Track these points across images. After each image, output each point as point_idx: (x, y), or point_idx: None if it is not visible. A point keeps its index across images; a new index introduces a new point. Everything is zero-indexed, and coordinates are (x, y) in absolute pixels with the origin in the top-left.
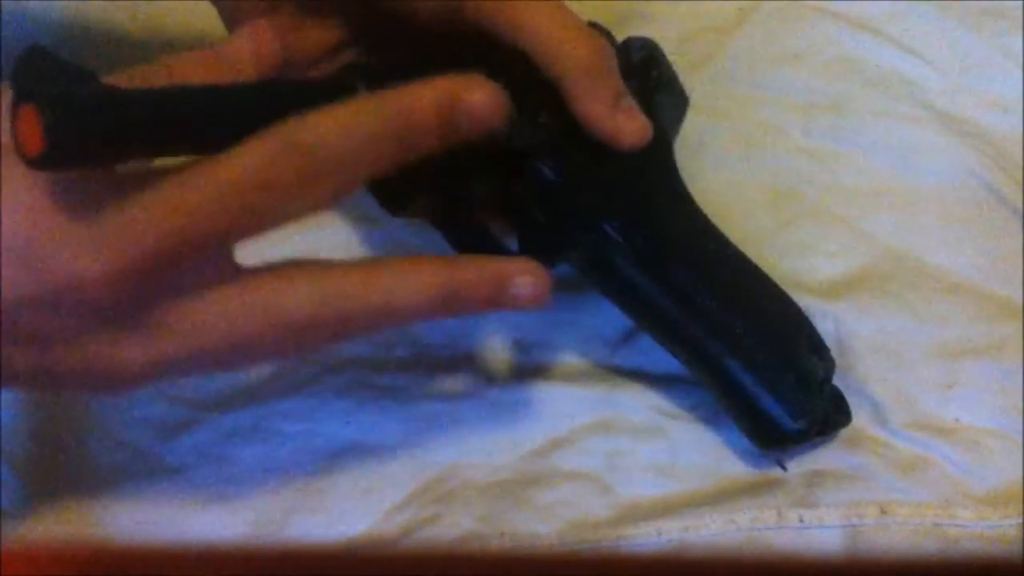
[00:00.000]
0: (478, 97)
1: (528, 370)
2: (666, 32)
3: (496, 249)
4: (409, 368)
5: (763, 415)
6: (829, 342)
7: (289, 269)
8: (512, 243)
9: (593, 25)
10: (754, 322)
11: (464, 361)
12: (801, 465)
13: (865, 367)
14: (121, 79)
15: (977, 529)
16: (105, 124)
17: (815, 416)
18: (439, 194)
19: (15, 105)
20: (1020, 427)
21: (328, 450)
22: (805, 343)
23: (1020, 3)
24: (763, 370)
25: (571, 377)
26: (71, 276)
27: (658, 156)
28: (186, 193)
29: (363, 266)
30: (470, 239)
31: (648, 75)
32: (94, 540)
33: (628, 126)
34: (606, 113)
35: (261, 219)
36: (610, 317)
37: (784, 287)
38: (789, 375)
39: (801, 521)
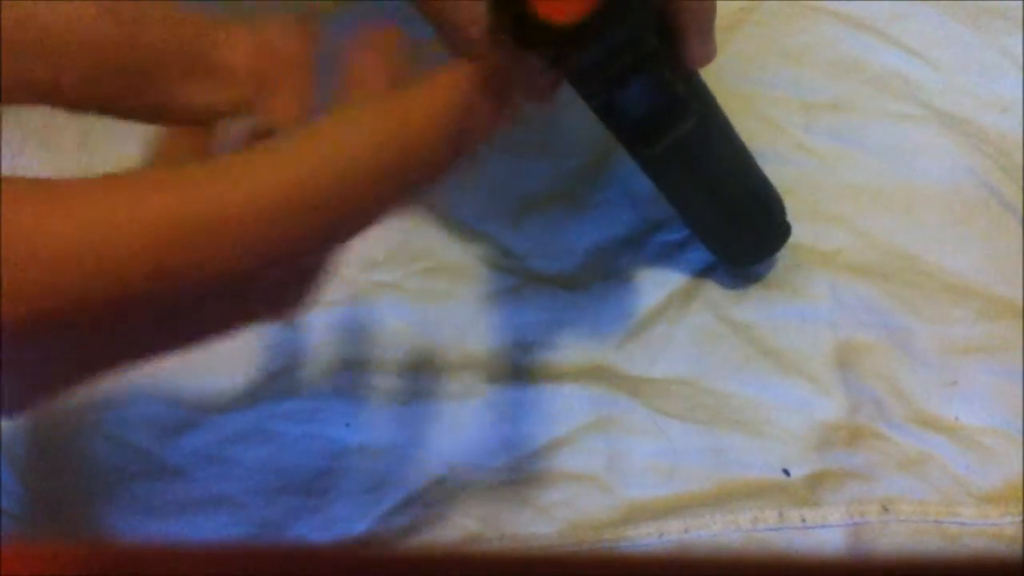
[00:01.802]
0: None
1: (528, 370)
2: None
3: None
4: (409, 369)
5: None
6: (830, 342)
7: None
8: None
9: None
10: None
11: (464, 361)
12: (803, 464)
13: (866, 366)
14: None
15: (978, 527)
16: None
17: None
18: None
19: None
20: (1020, 425)
21: (328, 451)
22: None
23: (1020, 3)
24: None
25: (571, 377)
26: None
27: None
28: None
29: None
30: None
31: None
32: (94, 540)
33: (710, 55)
34: (705, 49)
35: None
36: (610, 317)
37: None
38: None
39: (803, 521)
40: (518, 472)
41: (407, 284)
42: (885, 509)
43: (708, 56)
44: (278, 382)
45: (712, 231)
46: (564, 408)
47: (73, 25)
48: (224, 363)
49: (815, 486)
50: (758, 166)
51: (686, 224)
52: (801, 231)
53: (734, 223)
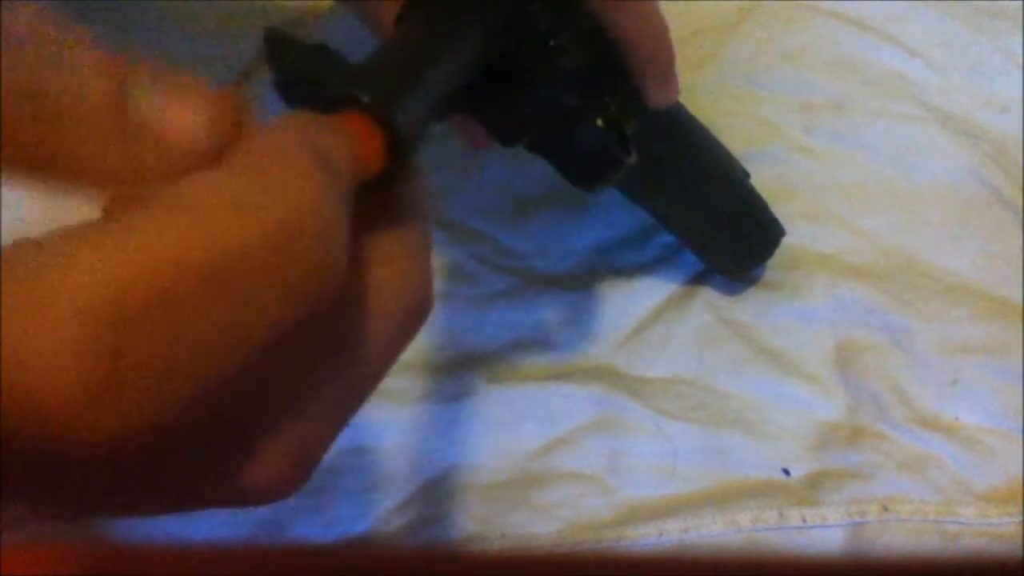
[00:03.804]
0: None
1: (528, 370)
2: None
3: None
4: (409, 369)
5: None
6: (830, 342)
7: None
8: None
9: None
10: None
11: (464, 361)
12: (803, 464)
13: (866, 365)
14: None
15: (978, 526)
16: (426, 114)
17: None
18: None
19: (326, 113)
20: (1020, 425)
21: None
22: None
23: (1020, 3)
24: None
25: (571, 377)
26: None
27: None
28: None
29: None
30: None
31: None
32: (94, 540)
33: (671, 97)
34: (665, 92)
35: None
36: (610, 317)
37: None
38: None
39: (803, 521)
40: (518, 472)
41: None
42: (885, 509)
43: (669, 98)
44: None
45: (696, 243)
46: (564, 408)
47: None
48: None
49: (815, 486)
50: (743, 176)
51: (673, 235)
52: (800, 231)
53: (718, 236)
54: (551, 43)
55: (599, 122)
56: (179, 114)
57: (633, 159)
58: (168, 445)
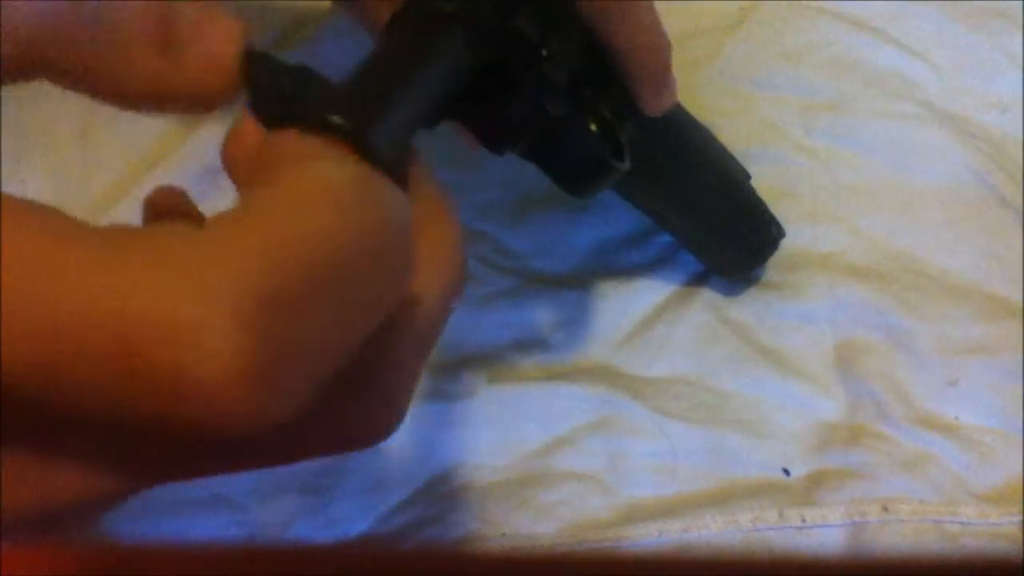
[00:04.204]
0: None
1: (528, 370)
2: (666, 31)
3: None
4: None
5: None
6: (830, 342)
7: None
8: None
9: None
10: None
11: (464, 361)
12: (803, 464)
13: (866, 365)
14: None
15: (978, 526)
16: (408, 130)
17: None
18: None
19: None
20: (1020, 425)
21: None
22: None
23: (1020, 3)
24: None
25: (571, 377)
26: None
27: None
28: None
29: None
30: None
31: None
32: (94, 540)
33: (667, 104)
34: (660, 99)
35: None
36: (610, 317)
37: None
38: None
39: (803, 520)
40: (518, 472)
41: None
42: (885, 509)
43: (664, 106)
44: None
45: (694, 244)
46: (564, 408)
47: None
48: None
49: (815, 486)
50: (743, 177)
51: (672, 237)
52: (800, 232)
53: (716, 238)
54: (543, 52)
55: (592, 127)
56: (216, 32)
57: (626, 165)
58: (304, 413)
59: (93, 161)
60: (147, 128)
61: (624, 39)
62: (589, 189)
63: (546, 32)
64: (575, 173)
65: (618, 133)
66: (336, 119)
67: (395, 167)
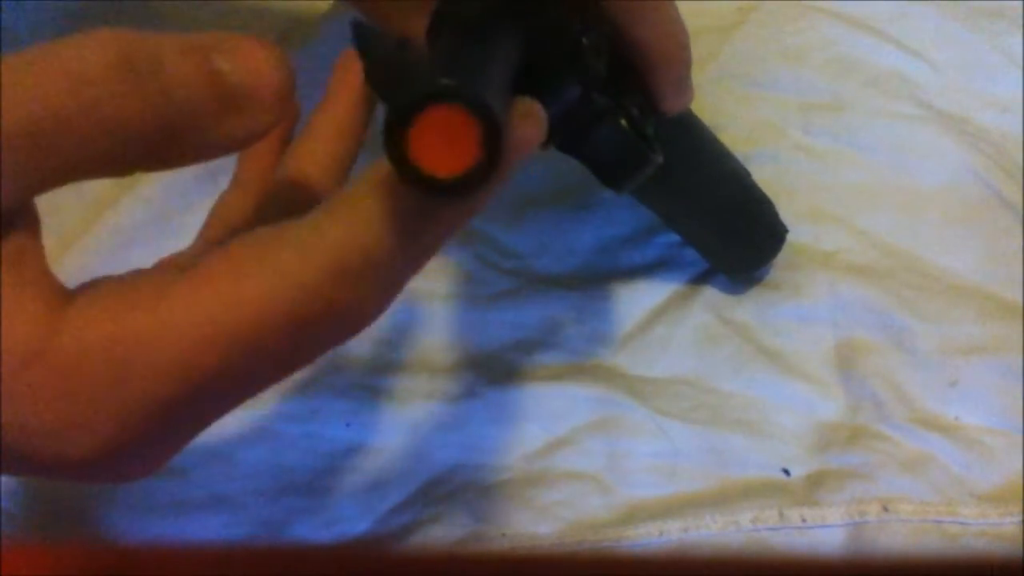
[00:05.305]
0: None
1: (528, 370)
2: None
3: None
4: (409, 369)
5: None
6: (830, 342)
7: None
8: None
9: None
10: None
11: (464, 361)
12: (803, 464)
13: (866, 365)
14: None
15: (978, 527)
16: (505, 108)
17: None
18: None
19: (412, 109)
20: (1020, 425)
21: (329, 451)
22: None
23: (1020, 3)
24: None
25: (571, 377)
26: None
27: None
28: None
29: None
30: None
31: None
32: (94, 540)
33: (686, 102)
34: (680, 98)
35: None
36: (610, 317)
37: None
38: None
39: (803, 521)
40: (518, 472)
41: (407, 284)
42: (885, 509)
43: (684, 104)
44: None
45: (702, 243)
46: (564, 408)
47: (91, 112)
48: None
49: (815, 486)
50: (746, 175)
51: (678, 235)
52: (801, 231)
53: (724, 236)
54: (583, 41)
55: (622, 122)
56: (260, 68)
57: (660, 158)
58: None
59: None
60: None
61: (650, 35)
62: (625, 182)
63: (583, 24)
64: (611, 166)
65: (645, 128)
66: (458, 85)
67: (506, 130)
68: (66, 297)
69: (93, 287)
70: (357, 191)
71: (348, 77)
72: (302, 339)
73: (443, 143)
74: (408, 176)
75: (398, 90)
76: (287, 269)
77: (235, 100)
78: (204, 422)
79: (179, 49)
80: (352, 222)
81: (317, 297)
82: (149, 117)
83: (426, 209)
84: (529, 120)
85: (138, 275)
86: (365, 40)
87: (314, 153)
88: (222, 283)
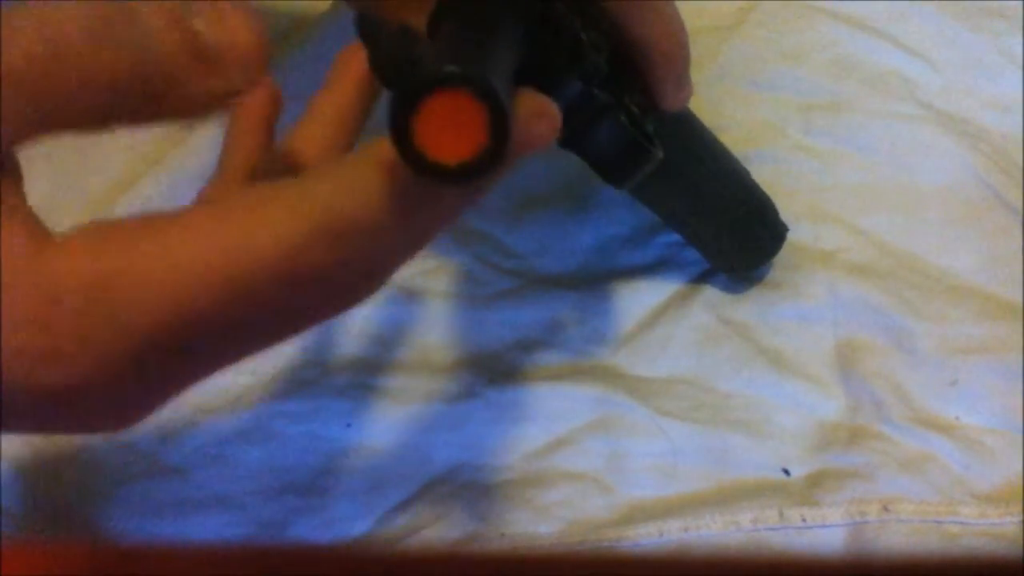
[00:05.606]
0: None
1: (528, 370)
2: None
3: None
4: (409, 369)
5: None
6: (830, 342)
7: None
8: None
9: None
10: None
11: (464, 361)
12: (803, 464)
13: (866, 365)
14: None
15: (978, 526)
16: (510, 96)
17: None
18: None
19: (418, 94)
20: (1020, 425)
21: (329, 451)
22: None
23: (1020, 3)
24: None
25: (571, 377)
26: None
27: None
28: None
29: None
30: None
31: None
32: (94, 540)
33: (685, 99)
34: (680, 95)
35: None
36: (610, 317)
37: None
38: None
39: (803, 521)
40: (518, 472)
41: (407, 284)
42: (885, 509)
43: (683, 100)
44: (278, 382)
45: (702, 242)
46: (564, 408)
47: (68, 63)
48: None
49: (815, 486)
50: (746, 174)
51: (679, 234)
52: (801, 231)
53: (723, 235)
54: (583, 36)
55: (623, 118)
56: (234, 28)
57: (660, 153)
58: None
59: (93, 161)
60: (147, 128)
61: (650, 33)
62: (627, 177)
63: (584, 20)
64: (613, 161)
65: (645, 125)
66: (464, 71)
67: (512, 116)
68: (50, 236)
69: (80, 228)
70: (355, 159)
71: (351, 65)
72: (289, 299)
73: (448, 129)
74: (413, 162)
75: (404, 76)
76: (275, 223)
77: (210, 58)
78: (182, 379)
79: (154, 9)
80: (342, 187)
81: (304, 254)
82: (125, 71)
83: (425, 192)
84: (544, 120)
85: (126, 218)
86: (369, 29)
87: (313, 136)
88: (212, 228)
